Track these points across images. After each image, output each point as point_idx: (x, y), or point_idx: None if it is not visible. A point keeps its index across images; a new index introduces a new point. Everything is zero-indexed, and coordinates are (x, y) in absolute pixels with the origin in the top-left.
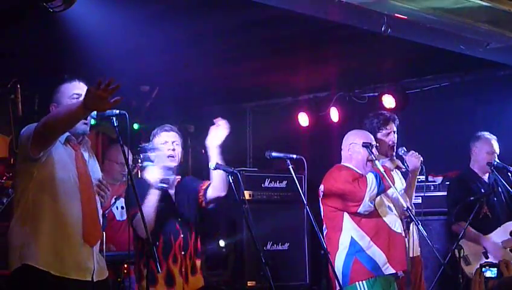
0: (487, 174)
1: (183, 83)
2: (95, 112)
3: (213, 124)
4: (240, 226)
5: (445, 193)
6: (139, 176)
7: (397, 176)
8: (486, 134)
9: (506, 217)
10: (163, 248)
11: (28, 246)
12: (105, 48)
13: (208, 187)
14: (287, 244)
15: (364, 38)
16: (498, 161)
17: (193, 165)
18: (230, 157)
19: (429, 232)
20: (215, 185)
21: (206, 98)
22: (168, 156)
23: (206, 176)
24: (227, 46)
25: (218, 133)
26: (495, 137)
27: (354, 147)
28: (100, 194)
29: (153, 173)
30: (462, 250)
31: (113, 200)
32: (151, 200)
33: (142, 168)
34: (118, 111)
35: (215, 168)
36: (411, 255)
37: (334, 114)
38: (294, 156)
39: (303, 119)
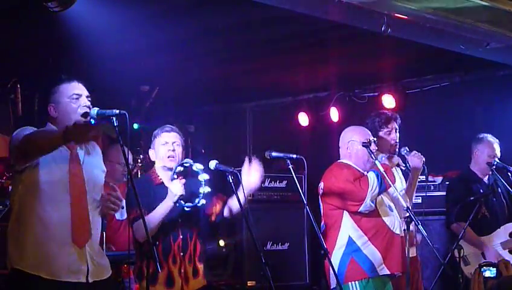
0: (487, 176)
1: (183, 83)
2: (95, 112)
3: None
4: (240, 226)
5: (445, 193)
6: (139, 176)
7: (398, 175)
8: (489, 137)
9: (506, 217)
10: (162, 248)
11: (16, 250)
12: (105, 48)
13: (223, 208)
14: (287, 244)
15: (364, 38)
16: (498, 161)
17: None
18: (230, 157)
19: (429, 232)
20: (235, 209)
21: (206, 98)
22: (168, 157)
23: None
24: (227, 46)
25: (250, 178)
26: (497, 140)
27: (352, 144)
28: (110, 207)
29: (176, 187)
30: (462, 250)
31: None
32: (161, 211)
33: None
34: (118, 111)
35: (215, 169)
36: (411, 255)
37: (334, 114)
38: (294, 156)
39: (303, 119)
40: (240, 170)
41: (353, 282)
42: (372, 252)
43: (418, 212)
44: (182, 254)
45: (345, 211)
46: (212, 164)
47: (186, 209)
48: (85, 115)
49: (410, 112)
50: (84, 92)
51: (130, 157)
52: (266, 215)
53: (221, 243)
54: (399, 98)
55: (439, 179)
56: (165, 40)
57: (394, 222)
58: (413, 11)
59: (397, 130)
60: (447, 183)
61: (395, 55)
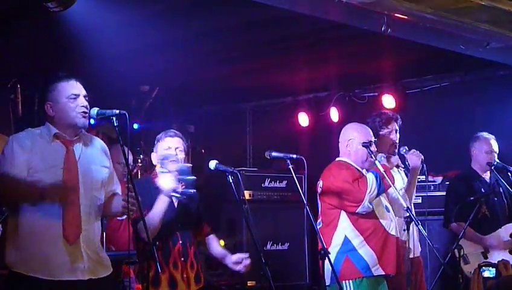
0: (488, 174)
1: (183, 83)
2: (95, 112)
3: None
4: (240, 226)
5: (445, 193)
6: (139, 176)
7: (399, 175)
8: (485, 134)
9: (506, 218)
10: (162, 252)
11: (11, 252)
12: (105, 48)
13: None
14: (287, 244)
15: (364, 38)
16: (498, 161)
17: (193, 165)
18: (230, 157)
19: (429, 232)
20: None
21: (206, 98)
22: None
23: (207, 175)
24: (227, 46)
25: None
26: (493, 136)
27: (352, 143)
28: (130, 209)
29: (166, 181)
30: (462, 250)
31: None
32: (160, 207)
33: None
34: (118, 111)
35: (215, 169)
36: (411, 255)
37: (334, 114)
38: (294, 156)
39: (303, 119)
40: (240, 170)
41: (347, 281)
42: (367, 252)
43: (421, 212)
44: (182, 259)
45: (342, 211)
46: (212, 164)
47: (177, 196)
48: (84, 115)
49: (410, 112)
50: (82, 91)
51: (130, 157)
52: (266, 215)
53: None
54: (399, 98)
55: (439, 179)
56: (165, 40)
57: (390, 222)
58: (413, 11)
59: (397, 131)
60: (447, 183)
61: (395, 55)
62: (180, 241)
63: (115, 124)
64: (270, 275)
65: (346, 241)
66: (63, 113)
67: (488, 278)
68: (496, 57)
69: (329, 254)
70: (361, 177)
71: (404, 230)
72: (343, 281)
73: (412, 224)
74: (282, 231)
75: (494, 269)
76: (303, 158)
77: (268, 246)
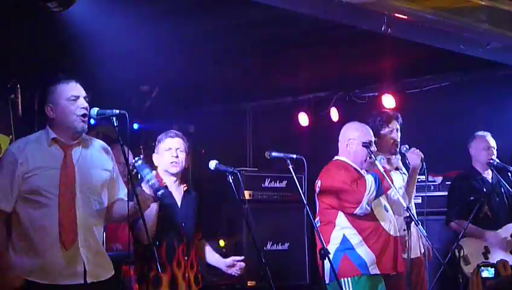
0: (490, 173)
1: (183, 83)
2: (95, 112)
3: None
4: (240, 226)
5: (445, 193)
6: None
7: (400, 176)
8: (480, 132)
9: (507, 217)
10: (166, 251)
11: (10, 256)
12: (105, 48)
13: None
14: (287, 244)
15: (364, 38)
16: (498, 161)
17: (193, 165)
18: (230, 157)
19: (429, 232)
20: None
21: (206, 98)
22: (171, 163)
23: (207, 175)
24: (227, 46)
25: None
26: (488, 133)
27: (352, 142)
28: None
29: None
30: (462, 250)
31: None
32: (151, 212)
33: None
34: (118, 111)
35: (215, 169)
36: (412, 256)
37: (334, 114)
38: (294, 156)
39: (303, 119)
40: (240, 170)
41: (345, 278)
42: (365, 252)
43: (421, 212)
44: (186, 258)
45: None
46: (212, 164)
47: (159, 193)
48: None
49: (410, 111)
50: (82, 92)
51: (130, 157)
52: (266, 215)
53: (221, 243)
54: (399, 98)
55: (439, 179)
56: (165, 40)
57: (389, 223)
58: (413, 11)
59: (398, 130)
60: (447, 183)
61: (395, 55)
62: (185, 241)
63: (115, 124)
64: (270, 275)
65: (345, 240)
66: (62, 116)
67: (487, 278)
68: (495, 57)
69: (329, 253)
70: (360, 179)
71: (405, 230)
72: (342, 279)
73: (412, 224)
74: (282, 231)
75: (493, 269)
76: (303, 158)
77: (268, 246)
